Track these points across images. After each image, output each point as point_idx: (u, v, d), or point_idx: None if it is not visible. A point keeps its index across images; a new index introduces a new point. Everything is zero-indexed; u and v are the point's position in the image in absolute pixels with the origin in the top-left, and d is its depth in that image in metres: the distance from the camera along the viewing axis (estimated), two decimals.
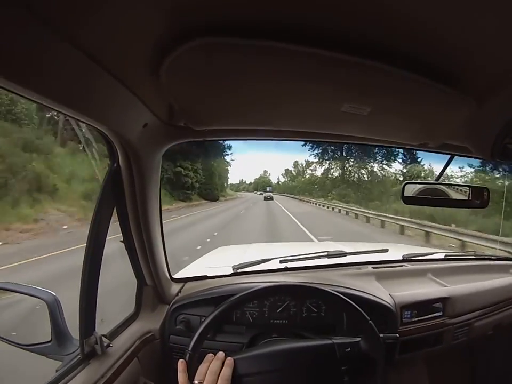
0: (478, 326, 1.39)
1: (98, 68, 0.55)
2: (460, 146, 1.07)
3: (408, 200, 1.27)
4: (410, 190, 1.27)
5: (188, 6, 0.48)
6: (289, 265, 1.43)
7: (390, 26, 0.51)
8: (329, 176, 28.46)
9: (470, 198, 1.34)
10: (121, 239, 1.00)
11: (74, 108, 0.59)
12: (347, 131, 0.99)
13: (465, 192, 1.38)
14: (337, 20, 0.51)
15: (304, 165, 42.86)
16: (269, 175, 53.92)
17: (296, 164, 43.54)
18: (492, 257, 1.83)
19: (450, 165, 1.25)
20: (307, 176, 41.21)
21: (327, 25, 0.52)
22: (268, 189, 46.01)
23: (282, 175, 49.28)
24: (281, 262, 1.42)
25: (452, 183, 1.36)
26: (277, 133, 1.05)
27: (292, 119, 0.88)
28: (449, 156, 1.22)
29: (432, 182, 1.30)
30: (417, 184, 1.29)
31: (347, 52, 0.56)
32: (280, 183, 49.09)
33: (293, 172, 45.45)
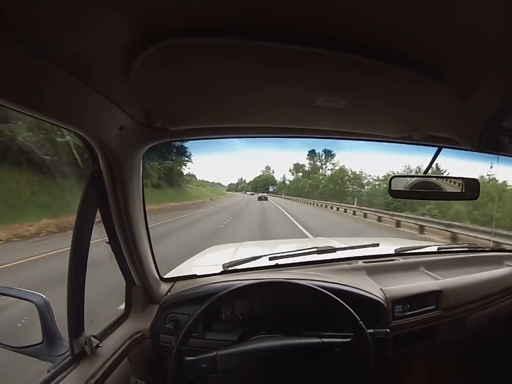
0: (473, 319, 1.38)
1: (69, 76, 0.56)
2: (447, 138, 1.06)
3: (396, 194, 1.27)
4: (398, 184, 1.27)
5: (150, 9, 0.48)
6: (279, 262, 1.44)
7: (369, 18, 0.50)
8: None
9: (464, 190, 1.34)
10: (107, 241, 1.00)
11: (50, 115, 0.60)
12: (325, 125, 0.99)
13: (458, 184, 1.37)
14: (309, 13, 0.50)
15: (323, 157, 33.49)
16: (272, 172, 44.64)
17: (312, 155, 34.03)
18: (486, 249, 1.82)
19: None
20: (327, 172, 31.21)
21: (298, 20, 0.51)
22: (271, 189, 38.17)
23: (291, 170, 39.07)
24: (270, 259, 1.42)
25: (443, 175, 1.35)
26: (253, 130, 1.05)
27: (266, 115, 0.88)
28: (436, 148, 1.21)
29: (420, 175, 1.30)
30: (406, 178, 1.29)
31: (318, 46, 0.55)
32: (287, 182, 39.98)
33: (306, 167, 35.35)
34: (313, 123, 0.96)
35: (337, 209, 17.20)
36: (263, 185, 42.63)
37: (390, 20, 0.50)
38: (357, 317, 1.01)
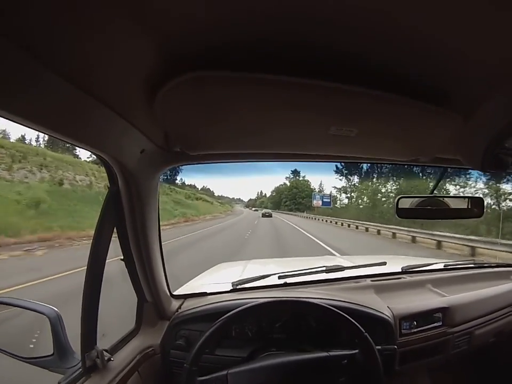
0: (479, 334, 1.38)
1: (95, 101, 0.58)
2: (452, 159, 1.08)
3: (403, 213, 1.28)
4: (405, 203, 1.28)
5: (177, 42, 0.51)
6: (288, 280, 1.45)
7: (374, 50, 0.53)
8: None
9: (470, 207, 1.35)
10: (122, 258, 1.03)
11: (76, 138, 0.63)
12: (337, 151, 1.01)
13: (464, 202, 1.39)
14: (322, 51, 0.54)
15: None
16: (304, 177, 28.67)
17: None
18: (492, 265, 1.82)
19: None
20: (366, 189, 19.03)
21: (312, 56, 0.55)
22: (318, 200, 22.50)
23: (339, 170, 22.93)
24: (279, 277, 1.43)
25: (448, 195, 1.37)
26: (268, 156, 1.08)
27: (282, 143, 0.91)
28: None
29: (426, 195, 1.31)
30: (412, 198, 1.30)
31: (331, 79, 0.59)
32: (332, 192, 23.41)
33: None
34: (324, 149, 0.99)
35: None
36: (292, 197, 26.81)
37: (397, 56, 0.54)
38: (362, 329, 1.04)
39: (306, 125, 0.76)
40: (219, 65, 0.55)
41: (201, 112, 0.68)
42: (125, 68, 0.55)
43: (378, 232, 13.35)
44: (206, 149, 0.91)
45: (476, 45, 0.51)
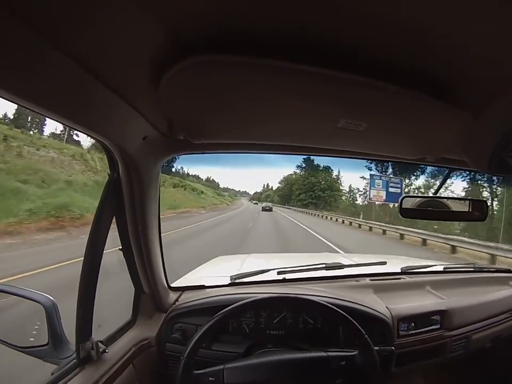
0: (476, 339, 1.38)
1: (99, 83, 0.57)
2: (458, 160, 1.07)
3: (406, 213, 1.27)
4: (409, 203, 1.27)
5: (183, 25, 0.49)
6: (287, 276, 1.44)
7: (385, 43, 0.52)
8: None
9: (471, 210, 1.34)
10: (120, 247, 1.01)
11: (76, 121, 0.61)
12: (344, 146, 1.00)
13: (465, 204, 1.38)
14: (333, 38, 0.52)
15: None
16: (317, 165, 21.69)
17: None
18: (491, 269, 1.82)
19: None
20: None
21: (322, 43, 0.53)
22: (384, 187, 14.09)
23: None
24: (279, 273, 1.42)
25: (451, 196, 1.36)
26: (274, 147, 1.06)
27: (289, 134, 0.89)
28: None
29: (430, 196, 1.31)
30: (416, 198, 1.30)
31: (342, 69, 0.57)
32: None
33: None
34: (332, 143, 0.98)
35: None
36: (308, 188, 20.04)
37: (407, 49, 0.53)
38: (362, 331, 1.03)
39: (314, 116, 0.74)
40: (225, 50, 0.53)
41: (207, 99, 0.66)
42: (130, 50, 0.53)
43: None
44: (210, 137, 0.89)
45: (487, 43, 0.50)
